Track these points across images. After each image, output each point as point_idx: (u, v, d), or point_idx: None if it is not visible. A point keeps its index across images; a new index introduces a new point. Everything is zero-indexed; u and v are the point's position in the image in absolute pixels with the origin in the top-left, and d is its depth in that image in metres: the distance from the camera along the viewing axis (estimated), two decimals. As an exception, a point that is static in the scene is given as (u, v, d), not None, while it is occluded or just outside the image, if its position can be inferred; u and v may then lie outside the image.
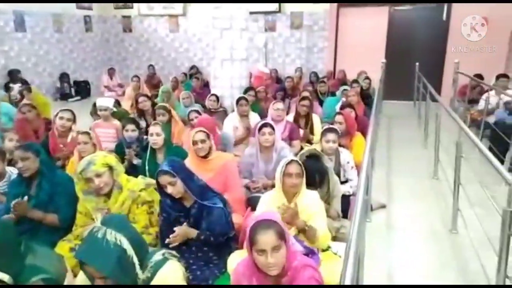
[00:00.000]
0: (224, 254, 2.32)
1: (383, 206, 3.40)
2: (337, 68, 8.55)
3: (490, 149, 4.53)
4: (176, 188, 2.21)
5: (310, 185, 2.52)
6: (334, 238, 2.51)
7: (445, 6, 7.79)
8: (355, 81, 6.55)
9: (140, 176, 2.56)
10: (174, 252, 1.87)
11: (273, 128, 3.14)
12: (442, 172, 3.93)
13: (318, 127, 4.41)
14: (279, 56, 8.90)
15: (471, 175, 3.70)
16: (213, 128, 3.95)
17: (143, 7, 9.55)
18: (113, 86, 8.67)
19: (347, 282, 1.05)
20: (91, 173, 2.21)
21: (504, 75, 6.10)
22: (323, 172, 2.62)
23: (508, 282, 1.72)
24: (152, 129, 3.24)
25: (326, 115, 5.17)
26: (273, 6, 8.44)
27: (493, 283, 1.86)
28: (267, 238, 1.59)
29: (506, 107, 4.93)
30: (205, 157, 2.92)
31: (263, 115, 4.70)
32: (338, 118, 3.91)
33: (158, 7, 9.42)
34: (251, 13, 8.32)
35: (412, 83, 7.33)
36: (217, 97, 4.93)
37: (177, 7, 9.28)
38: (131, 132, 3.57)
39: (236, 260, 2.00)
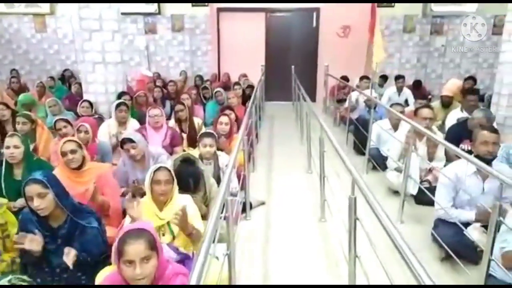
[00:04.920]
0: (95, 272, 2.16)
1: (263, 203, 3.55)
2: (221, 71, 8.72)
3: (355, 142, 5.10)
4: (45, 201, 1.98)
5: (185, 189, 2.51)
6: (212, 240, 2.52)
7: (314, 14, 8.52)
8: (237, 83, 6.76)
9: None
10: (25, 277, 1.67)
11: (133, 141, 3.01)
12: (314, 166, 4.27)
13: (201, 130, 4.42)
14: (163, 59, 8.69)
15: (339, 168, 4.12)
16: (96, 130, 3.73)
17: (0, 4, 8.39)
18: (-34, 93, 7.43)
19: (194, 278, 1.07)
20: None
21: (366, 77, 6.95)
22: (197, 176, 2.63)
23: (358, 262, 1.93)
24: (8, 141, 2.86)
25: (208, 119, 5.24)
26: (152, 8, 8.20)
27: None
28: (136, 248, 1.53)
29: (366, 105, 5.60)
30: (78, 168, 2.71)
31: (143, 121, 4.52)
32: (224, 119, 3.98)
33: (20, 5, 8.37)
34: (128, 14, 8.00)
35: (290, 85, 7.85)
36: (91, 103, 4.60)
37: (44, 6, 8.39)
38: (-21, 147, 3.09)
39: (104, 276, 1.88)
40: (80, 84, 5.85)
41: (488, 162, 2.41)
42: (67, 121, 3.78)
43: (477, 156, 2.44)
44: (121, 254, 1.54)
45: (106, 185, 2.78)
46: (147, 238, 1.56)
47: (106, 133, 4.15)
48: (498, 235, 2.00)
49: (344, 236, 2.62)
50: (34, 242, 1.97)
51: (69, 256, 1.97)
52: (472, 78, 6.95)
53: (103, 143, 3.77)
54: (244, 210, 3.25)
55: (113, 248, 1.59)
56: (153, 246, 1.58)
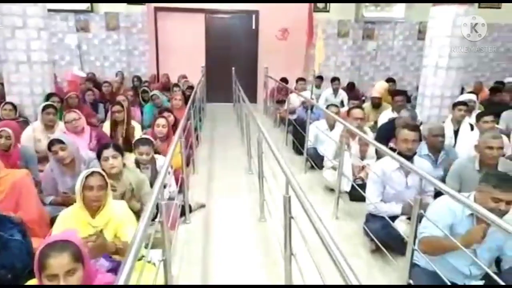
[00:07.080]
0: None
1: (203, 206, 3.51)
2: (160, 72, 8.50)
3: (294, 142, 5.23)
4: None
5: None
6: (147, 245, 2.45)
7: (253, 16, 8.62)
8: (176, 85, 6.64)
9: None
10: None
11: (63, 142, 2.85)
12: (254, 166, 4.30)
13: (138, 134, 4.26)
14: (97, 59, 8.29)
15: (277, 168, 4.19)
16: (19, 134, 3.46)
17: None
18: None
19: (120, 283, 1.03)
20: None
21: (302, 79, 7.18)
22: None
23: (293, 260, 1.98)
24: None
25: (146, 121, 5.09)
26: (84, 5, 7.79)
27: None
28: (59, 262, 1.43)
29: (303, 106, 5.77)
30: None
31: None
32: (161, 121, 3.89)
33: None
34: (56, 11, 7.53)
35: (231, 86, 7.86)
36: (14, 106, 4.26)
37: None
38: None
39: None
40: (3, 85, 5.41)
41: (410, 158, 2.59)
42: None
43: (399, 153, 2.62)
44: (43, 268, 1.43)
45: (21, 194, 2.54)
46: (71, 250, 1.47)
47: (31, 137, 3.87)
48: (421, 226, 2.15)
49: (282, 235, 2.68)
50: None
51: None
52: (392, 80, 7.53)
53: (27, 147, 3.51)
54: (183, 213, 3.20)
55: (35, 262, 1.48)
56: (79, 257, 1.49)
